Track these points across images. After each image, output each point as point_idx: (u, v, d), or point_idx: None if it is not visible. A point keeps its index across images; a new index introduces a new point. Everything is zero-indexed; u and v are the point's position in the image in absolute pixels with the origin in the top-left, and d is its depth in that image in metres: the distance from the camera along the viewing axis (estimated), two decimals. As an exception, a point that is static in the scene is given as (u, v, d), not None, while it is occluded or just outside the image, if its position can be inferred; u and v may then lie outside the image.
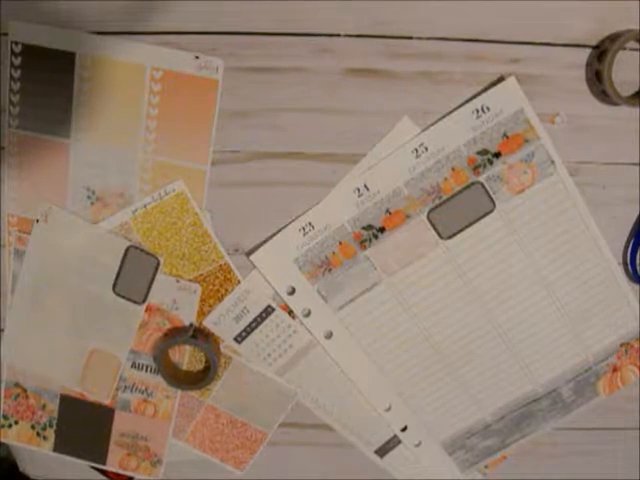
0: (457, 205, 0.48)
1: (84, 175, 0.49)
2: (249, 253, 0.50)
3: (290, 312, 0.52)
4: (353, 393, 0.55)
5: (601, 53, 0.45)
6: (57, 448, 0.57)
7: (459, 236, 0.49)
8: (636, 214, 0.51)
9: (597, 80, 0.46)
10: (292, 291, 0.51)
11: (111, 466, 0.58)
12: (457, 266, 0.50)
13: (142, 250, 0.50)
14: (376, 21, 0.45)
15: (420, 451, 0.57)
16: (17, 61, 0.46)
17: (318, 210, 0.49)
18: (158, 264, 0.50)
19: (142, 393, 0.55)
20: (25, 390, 0.55)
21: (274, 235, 0.49)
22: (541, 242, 0.50)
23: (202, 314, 0.52)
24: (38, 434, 0.57)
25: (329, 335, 0.52)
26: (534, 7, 0.45)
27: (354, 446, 0.58)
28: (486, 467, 0.59)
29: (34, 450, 0.57)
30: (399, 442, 0.57)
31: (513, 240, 0.50)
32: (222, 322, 0.52)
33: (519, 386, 0.55)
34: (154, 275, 0.51)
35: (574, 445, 0.59)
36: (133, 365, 0.54)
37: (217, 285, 0.51)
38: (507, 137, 0.47)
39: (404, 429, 0.56)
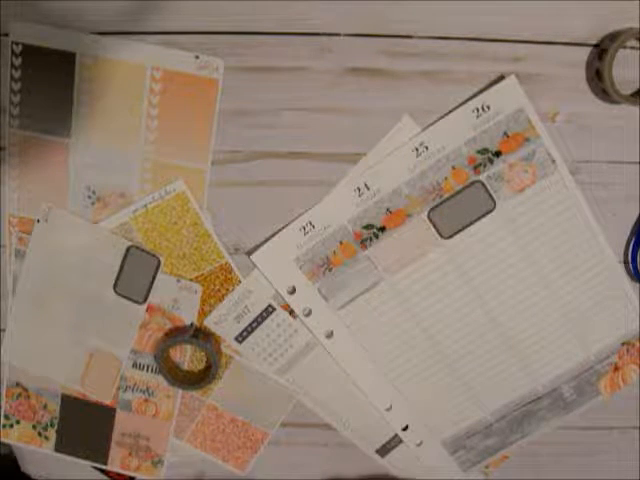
0: (457, 204, 0.48)
1: (84, 175, 0.49)
2: (250, 253, 0.50)
3: (291, 312, 0.52)
4: (354, 392, 0.55)
5: (601, 52, 0.45)
6: (58, 448, 0.57)
7: (460, 235, 0.49)
8: (637, 212, 0.51)
9: (597, 79, 0.46)
10: (293, 290, 0.51)
11: (112, 466, 0.58)
12: (458, 265, 0.50)
13: (143, 250, 0.50)
14: (376, 20, 0.45)
15: (421, 451, 0.57)
16: (17, 61, 0.46)
17: (318, 209, 0.49)
18: (159, 264, 0.50)
19: (143, 393, 0.55)
20: (26, 390, 0.55)
21: (275, 235, 0.49)
22: (542, 241, 0.50)
23: (203, 314, 0.52)
24: (39, 434, 0.57)
25: (330, 334, 0.52)
26: (534, 6, 0.45)
27: (355, 446, 0.58)
28: (487, 467, 0.59)
29: (35, 450, 0.58)
30: (400, 442, 0.57)
31: (514, 239, 0.50)
32: (223, 322, 0.52)
33: (520, 385, 0.55)
34: (155, 275, 0.51)
35: (574, 445, 0.59)
36: (134, 365, 0.54)
37: (218, 285, 0.51)
38: (507, 136, 0.47)
39: (405, 428, 0.56)
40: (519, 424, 0.56)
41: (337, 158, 0.48)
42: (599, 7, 0.45)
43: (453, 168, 0.47)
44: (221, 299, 0.52)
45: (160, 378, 0.54)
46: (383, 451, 0.58)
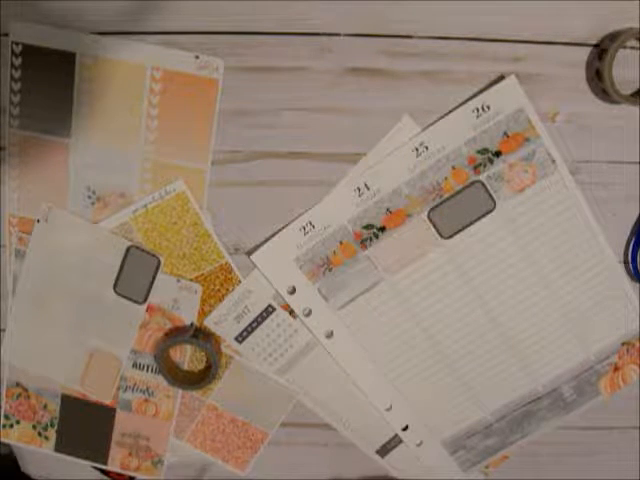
0: (457, 204, 0.48)
1: (84, 175, 0.49)
2: (250, 253, 0.50)
3: (291, 312, 0.52)
4: (354, 392, 0.55)
5: (601, 52, 0.45)
6: (58, 448, 0.57)
7: (459, 235, 0.49)
8: (637, 212, 0.51)
9: (597, 79, 0.46)
10: (293, 290, 0.51)
11: (112, 466, 0.58)
12: (458, 265, 0.50)
13: (143, 250, 0.50)
14: (376, 20, 0.45)
15: (421, 451, 0.57)
16: (17, 61, 0.46)
17: (319, 209, 0.49)
18: (159, 264, 0.50)
19: (143, 393, 0.55)
20: (26, 390, 0.55)
21: (275, 235, 0.49)
22: (542, 241, 0.50)
23: (203, 314, 0.52)
24: (39, 434, 0.57)
25: (330, 334, 0.52)
26: (534, 6, 0.45)
27: (355, 446, 0.57)
28: (487, 467, 0.59)
29: (35, 450, 0.58)
30: (400, 442, 0.57)
31: (514, 239, 0.49)
32: (223, 322, 0.52)
33: (520, 385, 0.55)
34: (155, 275, 0.51)
35: (574, 445, 0.59)
36: (134, 365, 0.54)
37: (218, 285, 0.51)
38: (507, 136, 0.47)
39: (405, 429, 0.56)
40: (519, 424, 0.56)
41: (337, 158, 0.48)
42: (599, 7, 0.45)
43: (453, 168, 0.47)
44: (221, 299, 0.52)
45: (160, 378, 0.54)
46: (383, 451, 0.58)
